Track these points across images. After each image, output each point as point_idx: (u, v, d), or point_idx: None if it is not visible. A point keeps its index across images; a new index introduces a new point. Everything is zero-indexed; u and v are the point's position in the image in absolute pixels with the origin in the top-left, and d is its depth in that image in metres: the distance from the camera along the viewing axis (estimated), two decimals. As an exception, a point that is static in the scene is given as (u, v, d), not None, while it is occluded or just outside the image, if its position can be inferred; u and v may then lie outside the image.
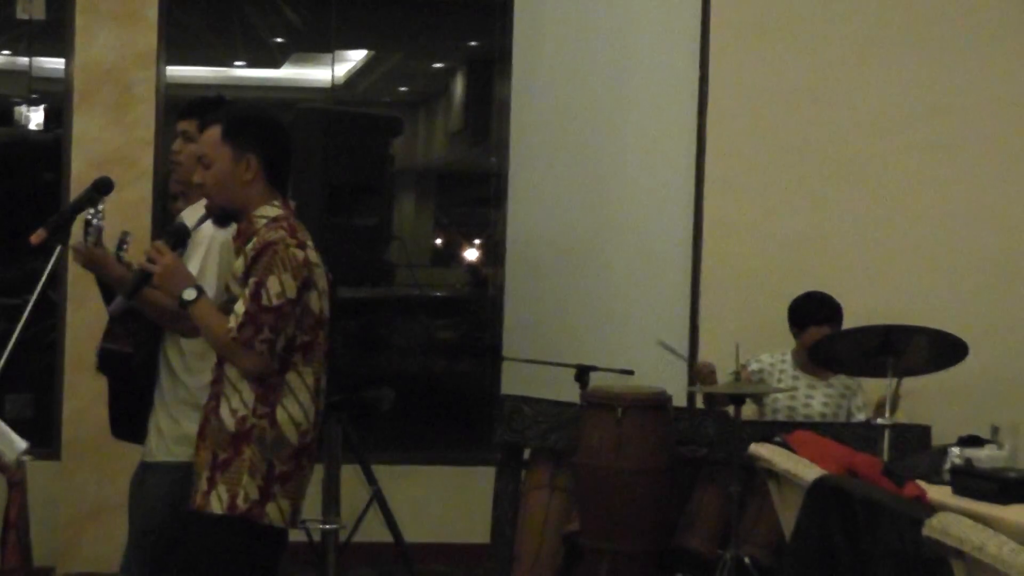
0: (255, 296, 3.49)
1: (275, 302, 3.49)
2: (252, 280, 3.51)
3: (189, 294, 3.56)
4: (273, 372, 3.55)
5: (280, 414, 3.55)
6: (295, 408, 3.57)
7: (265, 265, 3.51)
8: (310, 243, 3.62)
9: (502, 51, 6.82)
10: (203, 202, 4.05)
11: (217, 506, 3.54)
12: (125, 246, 4.07)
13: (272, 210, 3.64)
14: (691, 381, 5.70)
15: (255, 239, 3.58)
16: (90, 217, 3.89)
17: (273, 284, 3.49)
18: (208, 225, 3.97)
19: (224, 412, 3.58)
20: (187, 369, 4.05)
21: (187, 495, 4.05)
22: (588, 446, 5.01)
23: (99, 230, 3.90)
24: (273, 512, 3.56)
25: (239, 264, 3.60)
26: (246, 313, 3.48)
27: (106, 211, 3.94)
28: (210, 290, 3.91)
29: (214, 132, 3.64)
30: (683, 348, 6.27)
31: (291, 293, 3.51)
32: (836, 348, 5.27)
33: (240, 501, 3.52)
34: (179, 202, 4.27)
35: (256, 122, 3.69)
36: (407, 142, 7.51)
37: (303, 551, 5.10)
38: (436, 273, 7.66)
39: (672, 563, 5.26)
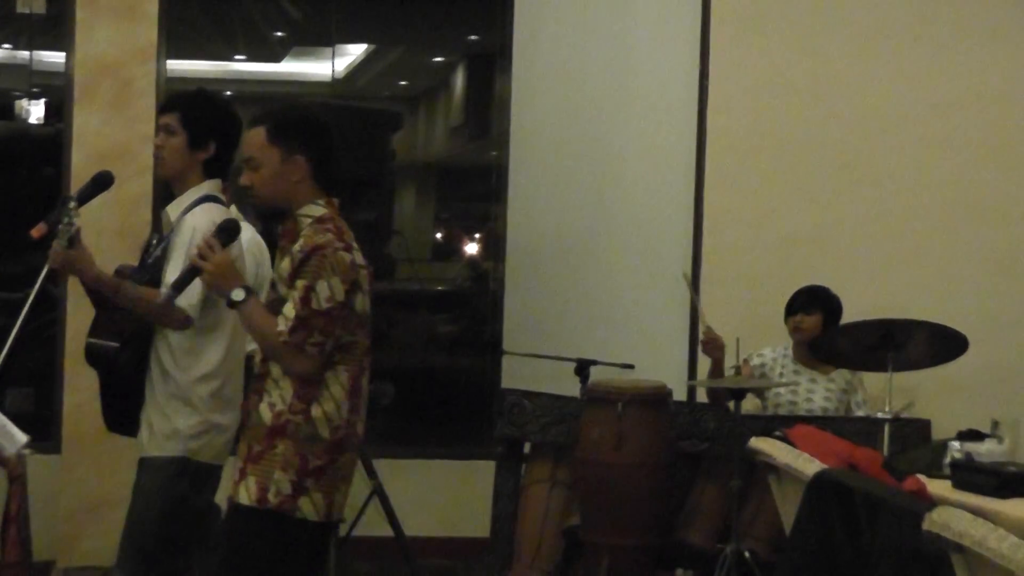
0: (305, 300, 3.52)
1: (325, 306, 3.53)
2: (302, 284, 3.53)
3: (238, 294, 3.60)
4: (319, 372, 3.59)
5: (315, 410, 3.58)
6: (330, 404, 3.59)
7: (314, 269, 3.53)
8: (355, 245, 3.65)
9: (503, 45, 6.82)
10: (186, 196, 4.09)
11: (245, 497, 3.58)
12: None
13: (317, 209, 3.66)
14: (703, 348, 5.64)
15: (301, 240, 3.60)
16: (62, 226, 3.89)
17: (323, 288, 3.52)
18: (190, 219, 3.98)
19: (263, 407, 3.61)
20: (177, 365, 4.05)
21: (183, 491, 4.06)
22: (588, 440, 5.01)
23: (71, 233, 3.90)
24: (306, 506, 3.58)
25: (285, 265, 3.61)
26: (297, 317, 3.52)
27: (80, 217, 3.95)
28: (193, 286, 3.90)
29: (259, 133, 3.66)
30: (684, 343, 6.28)
31: (340, 296, 3.55)
32: (836, 342, 5.28)
33: (271, 496, 3.55)
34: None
35: (302, 123, 3.72)
36: (407, 137, 7.50)
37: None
38: (436, 267, 7.66)
39: (672, 557, 5.27)
